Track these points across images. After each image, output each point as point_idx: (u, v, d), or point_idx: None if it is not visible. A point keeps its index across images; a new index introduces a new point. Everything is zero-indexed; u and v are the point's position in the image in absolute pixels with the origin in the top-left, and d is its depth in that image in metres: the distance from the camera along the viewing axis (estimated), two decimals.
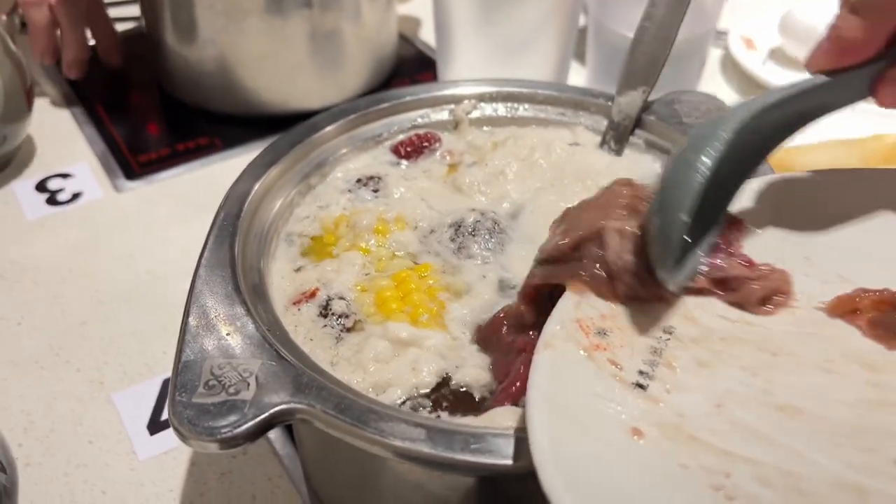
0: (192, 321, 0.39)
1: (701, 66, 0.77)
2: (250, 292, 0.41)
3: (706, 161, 0.35)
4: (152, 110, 0.86)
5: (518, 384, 0.37)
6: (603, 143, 0.54)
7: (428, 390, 0.39)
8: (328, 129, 0.52)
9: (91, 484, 0.51)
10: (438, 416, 0.38)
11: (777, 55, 0.91)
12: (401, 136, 0.54)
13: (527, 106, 0.56)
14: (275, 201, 0.48)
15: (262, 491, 0.50)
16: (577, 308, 0.36)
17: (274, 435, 0.53)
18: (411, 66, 0.93)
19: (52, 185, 0.74)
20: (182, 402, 0.35)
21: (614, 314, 0.37)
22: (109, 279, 0.65)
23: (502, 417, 0.37)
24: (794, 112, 0.39)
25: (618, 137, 0.53)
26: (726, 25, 0.92)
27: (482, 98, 0.56)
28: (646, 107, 0.53)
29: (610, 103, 0.54)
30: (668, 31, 0.52)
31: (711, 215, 0.39)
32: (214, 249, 0.43)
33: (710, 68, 0.91)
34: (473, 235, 0.47)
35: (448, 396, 0.39)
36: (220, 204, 0.46)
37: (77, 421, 0.55)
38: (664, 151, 0.52)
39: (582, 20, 0.89)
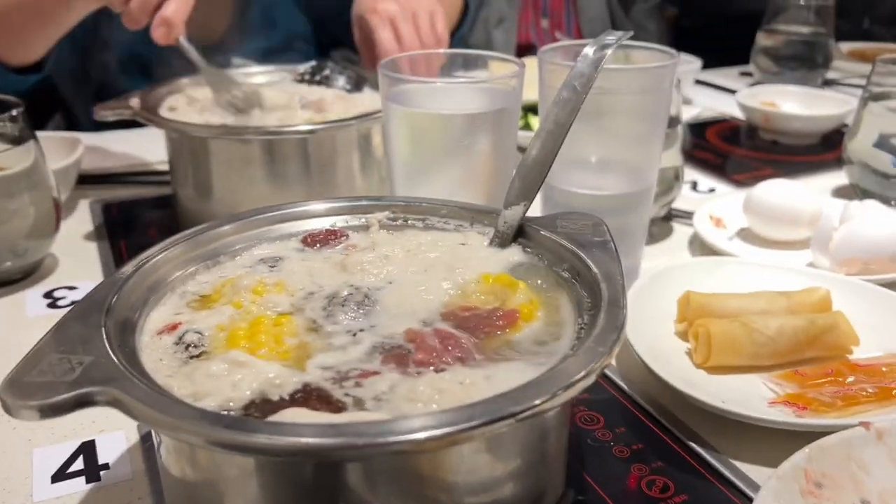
0: (54, 331, 0.45)
1: (642, 226, 0.82)
2: (118, 320, 0.48)
3: None
4: None
5: None
6: (490, 244, 0.60)
7: (241, 405, 0.43)
8: (249, 220, 0.61)
9: None
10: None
11: (745, 233, 0.96)
12: (312, 231, 0.62)
13: (432, 218, 0.63)
14: (179, 268, 0.56)
15: None
16: (808, 461, 0.51)
17: (157, 490, 0.57)
18: None
19: (58, 293, 0.85)
20: (12, 380, 0.41)
21: (833, 479, 0.51)
22: None
23: (288, 414, 0.41)
24: None
25: (501, 242, 0.59)
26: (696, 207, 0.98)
27: (394, 209, 0.64)
28: (529, 220, 0.60)
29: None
30: (545, 160, 0.59)
31: None
32: (101, 287, 0.50)
33: (678, 243, 0.96)
34: (343, 305, 0.53)
35: (254, 410, 0.43)
36: (128, 263, 0.54)
37: None
38: (535, 253, 0.58)
39: None
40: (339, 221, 0.64)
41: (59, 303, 0.83)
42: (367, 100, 1.03)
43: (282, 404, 0.43)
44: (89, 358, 0.43)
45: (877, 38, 2.06)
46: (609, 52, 0.62)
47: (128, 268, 0.53)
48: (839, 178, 1.14)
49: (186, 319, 0.51)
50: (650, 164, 0.80)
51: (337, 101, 1.00)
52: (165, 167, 1.18)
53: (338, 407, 0.43)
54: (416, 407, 0.43)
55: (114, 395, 0.40)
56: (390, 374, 0.46)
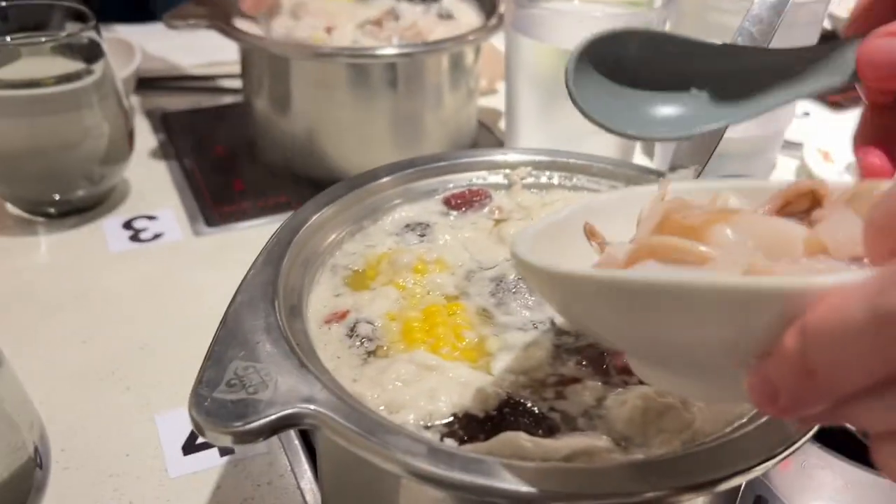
0: (226, 326, 0.41)
1: (769, 167, 0.77)
2: (287, 310, 0.44)
3: None
4: (241, 170, 0.92)
5: None
6: None
7: (442, 421, 0.40)
8: (386, 179, 0.55)
9: (121, 493, 0.52)
10: (443, 440, 0.38)
11: (854, 169, 0.90)
12: (454, 191, 0.57)
13: (580, 177, 0.58)
14: (327, 236, 0.51)
15: None
16: None
17: (299, 469, 0.54)
18: None
19: (138, 224, 0.80)
20: (202, 396, 0.37)
21: None
22: (174, 311, 0.69)
23: (507, 442, 0.37)
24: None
25: None
26: (803, 139, 0.92)
27: (538, 165, 0.58)
28: None
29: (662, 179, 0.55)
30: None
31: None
32: (261, 268, 0.46)
33: (783, 176, 0.91)
34: (514, 293, 0.48)
35: (458, 428, 0.39)
36: (275, 231, 0.49)
37: (119, 434, 0.57)
38: None
39: None
40: (475, 178, 0.58)
41: (142, 236, 0.79)
42: (465, 16, 0.95)
43: (489, 425, 0.39)
44: (279, 369, 0.38)
45: None
46: None
47: (279, 240, 0.48)
48: None
49: (352, 305, 0.47)
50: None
51: (431, 20, 0.92)
52: (219, 70, 1.11)
53: (550, 427, 0.39)
54: (634, 424, 0.39)
55: (323, 420, 0.36)
56: (592, 382, 0.42)
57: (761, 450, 0.36)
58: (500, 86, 1.13)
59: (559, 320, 0.46)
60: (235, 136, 0.97)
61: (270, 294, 0.43)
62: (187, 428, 0.57)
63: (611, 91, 0.42)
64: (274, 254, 0.47)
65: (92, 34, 0.75)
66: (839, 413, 0.26)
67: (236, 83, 1.05)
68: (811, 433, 0.37)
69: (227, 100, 1.07)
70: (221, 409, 0.36)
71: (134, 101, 1.03)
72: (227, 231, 0.80)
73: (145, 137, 0.96)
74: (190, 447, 0.56)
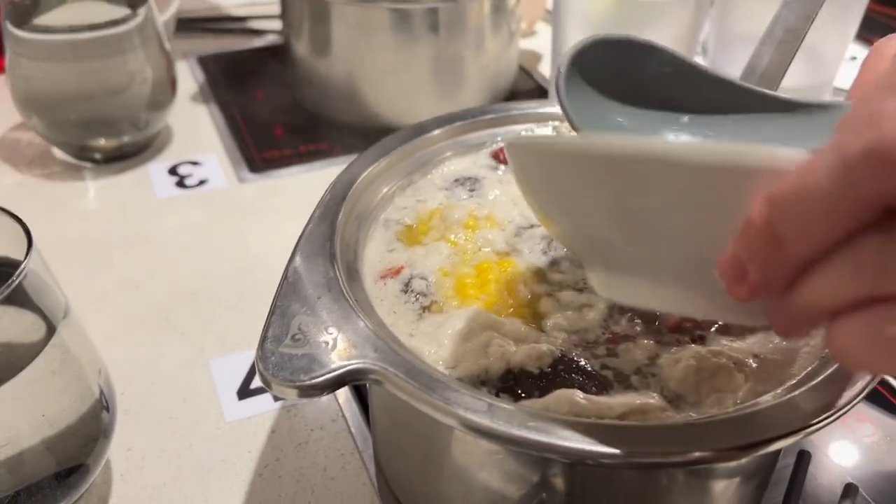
0: (287, 281, 0.42)
1: None
2: (344, 266, 0.44)
3: None
4: (281, 115, 0.92)
5: None
6: None
7: (497, 377, 0.41)
8: (435, 132, 0.55)
9: (180, 436, 0.55)
10: (499, 396, 0.40)
11: None
12: (502, 144, 0.57)
13: None
14: (378, 191, 0.52)
15: (334, 465, 0.53)
16: None
17: (350, 414, 0.56)
18: (527, 97, 0.96)
19: (183, 170, 0.81)
20: (269, 350, 0.38)
21: None
22: (222, 257, 0.70)
23: (563, 399, 0.38)
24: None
25: None
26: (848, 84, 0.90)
27: None
28: None
29: None
30: (774, 76, 0.52)
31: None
32: (317, 224, 0.46)
33: None
34: (566, 252, 0.48)
35: (514, 385, 0.40)
36: (328, 187, 0.50)
37: (175, 379, 0.59)
38: None
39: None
40: (524, 130, 0.58)
41: (187, 182, 0.80)
42: None
43: (543, 381, 0.40)
44: (341, 325, 0.39)
45: None
46: None
47: (333, 196, 0.48)
48: None
49: (405, 260, 0.48)
50: (836, 50, 0.73)
51: None
52: (257, 11, 1.10)
53: (602, 384, 0.40)
54: (688, 383, 0.40)
55: (386, 375, 0.37)
56: (644, 340, 0.43)
57: (815, 410, 0.36)
58: (539, 27, 1.12)
59: None
60: (274, 81, 0.97)
61: (328, 250, 0.44)
62: (241, 373, 0.59)
63: (604, 106, 0.42)
64: (330, 209, 0.47)
65: None
66: (806, 291, 0.25)
67: (274, 24, 1.05)
68: (864, 394, 0.37)
69: (264, 42, 1.06)
70: (288, 363, 0.38)
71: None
72: (270, 178, 0.81)
73: (184, 81, 0.96)
74: (245, 392, 0.58)
